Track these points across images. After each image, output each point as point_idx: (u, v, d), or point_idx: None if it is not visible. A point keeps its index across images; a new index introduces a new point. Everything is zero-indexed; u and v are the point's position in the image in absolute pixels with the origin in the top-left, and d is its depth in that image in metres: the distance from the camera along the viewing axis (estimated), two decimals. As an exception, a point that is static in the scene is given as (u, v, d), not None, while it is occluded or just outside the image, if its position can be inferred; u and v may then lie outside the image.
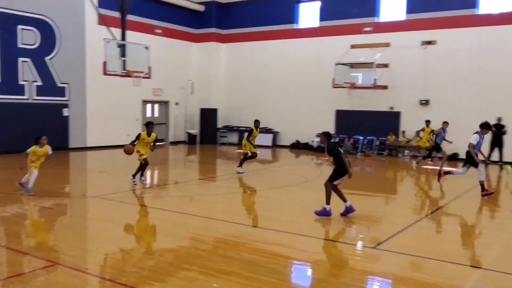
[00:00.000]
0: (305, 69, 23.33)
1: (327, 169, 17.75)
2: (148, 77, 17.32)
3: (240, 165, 14.50)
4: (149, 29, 23.14)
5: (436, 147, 15.63)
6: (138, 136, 11.54)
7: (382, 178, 16.39)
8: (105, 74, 16.11)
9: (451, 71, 19.70)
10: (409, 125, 20.81)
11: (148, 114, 24.18)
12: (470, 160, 11.11)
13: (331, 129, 22.86)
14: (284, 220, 8.65)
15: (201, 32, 26.11)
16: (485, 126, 11.12)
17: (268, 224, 8.14)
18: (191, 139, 25.42)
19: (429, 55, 20.11)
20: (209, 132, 25.78)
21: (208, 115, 25.72)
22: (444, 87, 19.93)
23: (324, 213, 8.61)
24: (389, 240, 7.34)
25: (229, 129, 25.89)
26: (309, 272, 6.20)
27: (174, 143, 25.13)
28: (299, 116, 23.66)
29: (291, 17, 24.11)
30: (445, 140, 15.67)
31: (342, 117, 22.54)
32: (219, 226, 8.23)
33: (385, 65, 20.65)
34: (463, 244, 7.21)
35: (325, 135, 8.90)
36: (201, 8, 25.83)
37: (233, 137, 25.67)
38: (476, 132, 11.10)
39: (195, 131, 25.74)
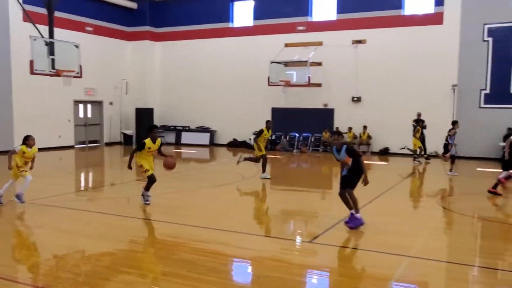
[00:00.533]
0: (241, 67, 23.49)
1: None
2: (79, 77, 16.78)
3: (264, 170, 13.50)
4: (79, 27, 22.37)
5: (446, 147, 14.68)
6: (141, 146, 9.39)
7: (318, 173, 16.83)
8: (32, 73, 15.43)
9: (380, 69, 20.56)
10: (343, 122, 21.51)
11: (81, 114, 23.43)
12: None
13: (268, 127, 23.17)
14: (222, 218, 8.70)
15: (135, 30, 25.58)
16: None
17: (206, 223, 8.15)
18: (127, 140, 24.86)
19: (360, 54, 20.88)
20: (145, 132, 25.18)
21: (144, 115, 25.24)
22: (374, 84, 20.77)
23: (360, 223, 7.73)
24: (325, 234, 7.59)
25: (166, 128, 25.58)
26: (248, 268, 6.30)
27: (110, 144, 24.49)
28: (236, 115, 23.79)
29: (226, 16, 24.17)
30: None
31: (278, 114, 22.90)
32: (156, 227, 8.16)
33: (319, 63, 21.22)
34: (393, 234, 7.58)
35: (341, 134, 7.98)
36: (133, 5, 25.30)
37: (170, 137, 25.40)
38: None
39: (131, 131, 25.21)
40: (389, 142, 20.57)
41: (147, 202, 9.55)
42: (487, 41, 18.84)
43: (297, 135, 22.40)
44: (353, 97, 21.28)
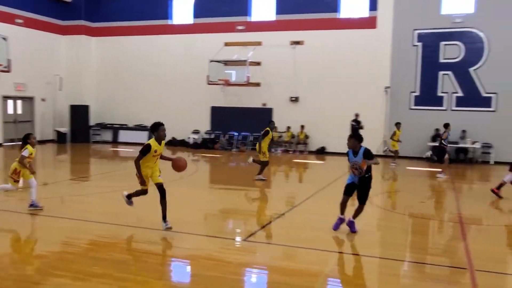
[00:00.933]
0: (180, 65, 23.29)
1: (204, 166, 17.97)
2: (8, 71, 16.06)
3: (261, 172, 13.30)
4: (8, 19, 21.31)
5: (444, 151, 14.61)
6: (147, 150, 7.42)
7: (256, 172, 16.95)
8: (-45, 67, 14.59)
9: (317, 70, 21.07)
10: (281, 121, 21.83)
11: (10, 111, 22.33)
12: None
13: (207, 126, 23.17)
14: (157, 218, 8.62)
15: (69, 24, 24.69)
16: None
17: (141, 223, 8.06)
18: (60, 138, 23.98)
19: (298, 55, 21.30)
20: (80, 130, 24.54)
21: (79, 112, 24.47)
22: (311, 84, 21.26)
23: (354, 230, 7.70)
24: (260, 232, 7.73)
25: (103, 126, 24.92)
26: (183, 268, 6.30)
27: (42, 142, 23.49)
28: (175, 113, 23.56)
29: (165, 13, 23.88)
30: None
31: (217, 113, 22.94)
32: (91, 227, 7.96)
33: (258, 63, 21.47)
34: (326, 231, 7.82)
35: (358, 138, 7.46)
36: (68, -2, 24.44)
37: (107, 135, 24.78)
38: None
39: (65, 129, 24.33)
40: (325, 142, 21.15)
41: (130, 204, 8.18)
42: (417, 46, 19.79)
43: (236, 134, 22.53)
44: (291, 97, 21.68)
